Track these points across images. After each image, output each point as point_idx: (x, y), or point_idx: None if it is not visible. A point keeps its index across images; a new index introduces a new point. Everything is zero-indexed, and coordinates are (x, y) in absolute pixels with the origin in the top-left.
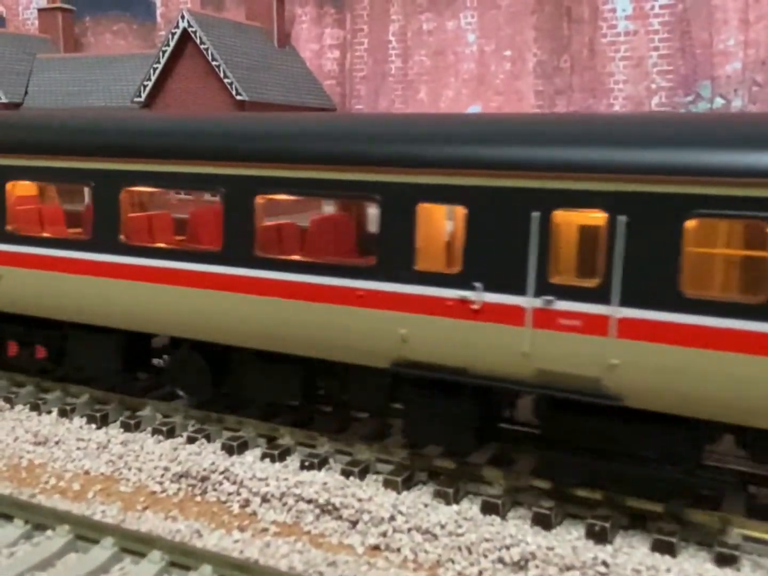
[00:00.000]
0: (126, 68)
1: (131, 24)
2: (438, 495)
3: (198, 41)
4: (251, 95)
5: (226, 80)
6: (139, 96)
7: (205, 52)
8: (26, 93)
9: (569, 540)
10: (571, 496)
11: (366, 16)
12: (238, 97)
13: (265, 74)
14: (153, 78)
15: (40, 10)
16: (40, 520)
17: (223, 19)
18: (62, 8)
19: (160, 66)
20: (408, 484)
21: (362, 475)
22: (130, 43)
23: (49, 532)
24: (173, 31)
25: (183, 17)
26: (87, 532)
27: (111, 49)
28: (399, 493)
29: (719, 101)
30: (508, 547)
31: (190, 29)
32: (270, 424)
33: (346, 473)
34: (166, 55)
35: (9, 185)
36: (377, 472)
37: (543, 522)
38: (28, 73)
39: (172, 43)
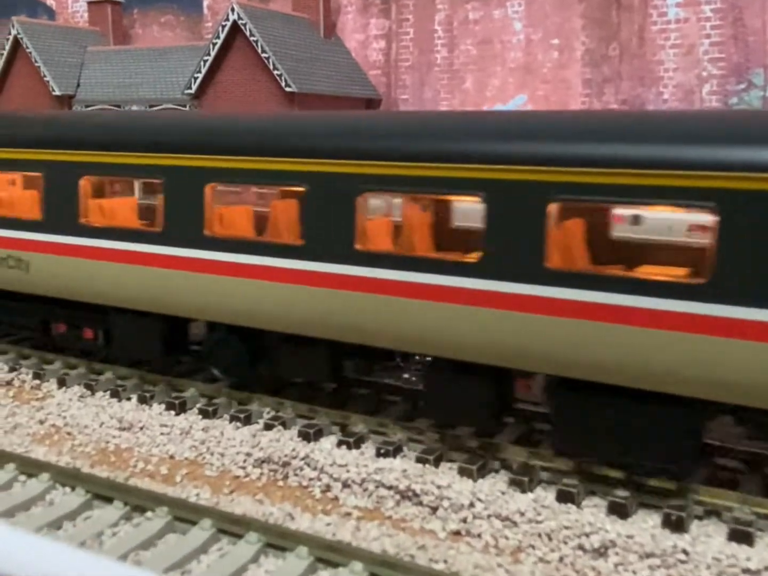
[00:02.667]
0: (175, 60)
1: (178, 16)
2: (513, 483)
3: (248, 33)
4: (300, 86)
5: (275, 72)
6: (190, 88)
7: (254, 45)
8: (78, 85)
9: (646, 528)
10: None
11: (411, 6)
12: (288, 89)
13: (312, 65)
14: (203, 70)
15: (90, 3)
16: (138, 501)
17: (271, 11)
18: (111, 1)
19: (210, 58)
20: (482, 472)
21: (437, 462)
22: (178, 35)
23: (148, 514)
24: (223, 23)
25: (233, 10)
26: (185, 513)
27: (158, 40)
28: (475, 480)
29: None
30: (587, 535)
31: (240, 21)
32: (342, 412)
33: (421, 461)
34: (216, 47)
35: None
36: (451, 460)
37: (619, 511)
38: (79, 65)
39: (222, 36)
